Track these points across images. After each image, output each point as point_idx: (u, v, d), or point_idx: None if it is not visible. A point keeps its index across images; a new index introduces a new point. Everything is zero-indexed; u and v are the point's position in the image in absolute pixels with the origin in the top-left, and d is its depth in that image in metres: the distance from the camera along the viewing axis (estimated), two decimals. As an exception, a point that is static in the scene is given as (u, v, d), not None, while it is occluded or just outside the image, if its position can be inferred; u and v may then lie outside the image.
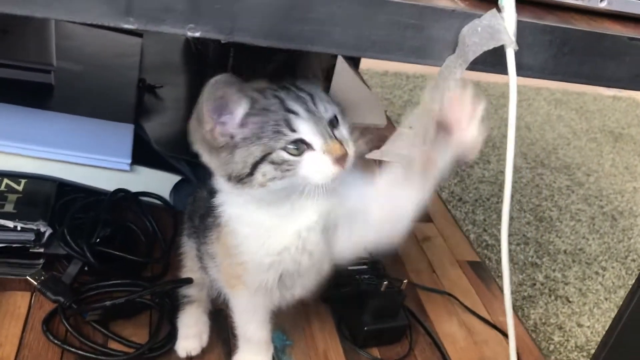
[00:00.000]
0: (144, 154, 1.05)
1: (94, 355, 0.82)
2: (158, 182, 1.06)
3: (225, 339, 0.89)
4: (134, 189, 1.04)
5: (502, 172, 2.02)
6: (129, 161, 1.02)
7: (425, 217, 1.30)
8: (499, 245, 1.63)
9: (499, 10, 0.53)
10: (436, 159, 0.62)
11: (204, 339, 0.88)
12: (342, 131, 0.67)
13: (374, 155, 0.68)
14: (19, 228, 0.89)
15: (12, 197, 0.94)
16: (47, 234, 0.91)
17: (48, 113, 1.06)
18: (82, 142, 1.02)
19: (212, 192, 0.74)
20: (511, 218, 1.78)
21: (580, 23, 0.57)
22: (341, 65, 1.56)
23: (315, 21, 0.50)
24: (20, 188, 0.96)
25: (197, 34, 0.50)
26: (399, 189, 0.66)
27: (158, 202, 1.07)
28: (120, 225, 1.00)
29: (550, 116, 2.51)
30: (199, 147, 0.66)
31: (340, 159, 0.64)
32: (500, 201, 1.84)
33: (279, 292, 0.77)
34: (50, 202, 0.96)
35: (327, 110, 0.66)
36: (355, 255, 0.76)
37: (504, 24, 0.52)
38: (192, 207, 0.91)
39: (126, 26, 0.49)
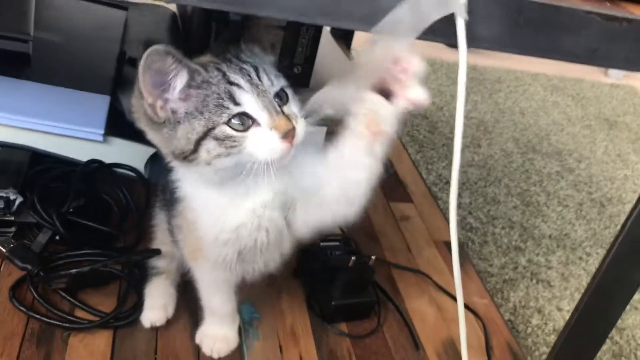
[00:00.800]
0: (119, 126, 1.04)
1: (58, 323, 0.83)
2: (133, 154, 1.06)
3: (192, 311, 0.90)
4: (108, 160, 1.05)
5: (492, 156, 2.03)
6: (102, 132, 1.02)
7: (406, 197, 1.30)
8: (483, 228, 1.64)
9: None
10: (380, 122, 0.61)
11: (170, 310, 0.88)
12: (291, 106, 0.65)
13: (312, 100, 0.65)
14: (-13, 195, 0.89)
15: (-17, 164, 0.94)
16: (17, 202, 0.92)
17: (24, 82, 1.05)
18: (56, 112, 1.01)
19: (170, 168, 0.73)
20: (498, 202, 1.77)
21: (537, -5, 0.57)
22: (328, 42, 1.54)
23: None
24: (-8, 156, 0.96)
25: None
26: (349, 170, 0.66)
27: (132, 174, 1.07)
28: (93, 196, 1.00)
29: (546, 102, 2.49)
30: (141, 124, 0.65)
31: (288, 135, 0.62)
32: (487, 185, 1.83)
33: (240, 267, 0.76)
34: (23, 171, 0.97)
35: (273, 84, 0.64)
36: (314, 233, 0.74)
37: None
38: (165, 181, 0.91)
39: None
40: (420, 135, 2.01)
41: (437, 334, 0.98)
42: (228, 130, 0.62)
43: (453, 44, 0.55)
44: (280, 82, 0.65)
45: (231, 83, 0.63)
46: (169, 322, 0.87)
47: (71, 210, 0.95)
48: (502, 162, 1.97)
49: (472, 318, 1.03)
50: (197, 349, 0.85)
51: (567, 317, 1.42)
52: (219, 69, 0.63)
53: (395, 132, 0.63)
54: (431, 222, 1.24)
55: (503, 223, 1.69)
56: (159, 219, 0.93)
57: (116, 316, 0.85)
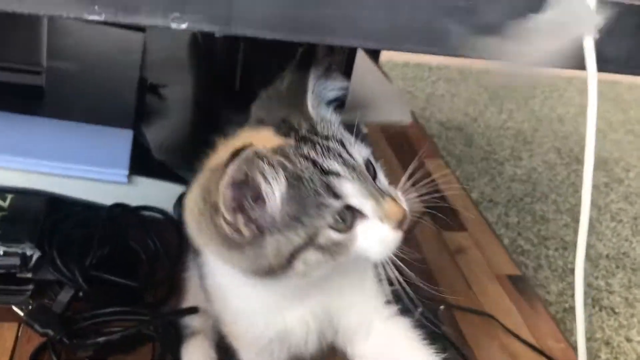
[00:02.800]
0: (144, 163, 0.97)
1: (85, 399, 0.72)
2: (160, 194, 0.97)
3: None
4: (133, 202, 0.96)
5: (535, 169, 1.91)
6: (127, 172, 0.94)
7: (458, 225, 1.19)
8: (536, 251, 1.52)
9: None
10: None
11: None
12: (382, 179, 0.54)
13: None
14: (1, 252, 0.80)
15: (-4, 215, 0.85)
16: (35, 258, 0.82)
17: (37, 119, 0.98)
18: (74, 152, 0.93)
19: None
20: (547, 220, 1.65)
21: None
22: (361, 57, 1.45)
23: (335, 5, 0.38)
24: (5, 204, 0.88)
25: (184, 26, 0.38)
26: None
27: (160, 216, 0.98)
28: (119, 243, 0.91)
29: (583, 107, 2.35)
30: (209, 244, 0.53)
31: (402, 222, 0.51)
32: (534, 201, 1.72)
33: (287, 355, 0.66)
34: (39, 220, 0.88)
35: (362, 157, 0.52)
36: None
37: (586, 4, 0.39)
38: None
39: (91, 17, 0.38)
40: (456, 150, 1.90)
41: None
42: (332, 234, 0.49)
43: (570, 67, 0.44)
44: (365, 153, 0.53)
45: (326, 172, 0.50)
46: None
47: (94, 262, 0.85)
48: (547, 176, 1.85)
49: (550, 366, 0.91)
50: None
51: (639, 348, 1.30)
52: (304, 156, 0.50)
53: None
54: (489, 252, 1.13)
55: (556, 244, 1.56)
56: (192, 270, 0.82)
57: (152, 387, 0.74)
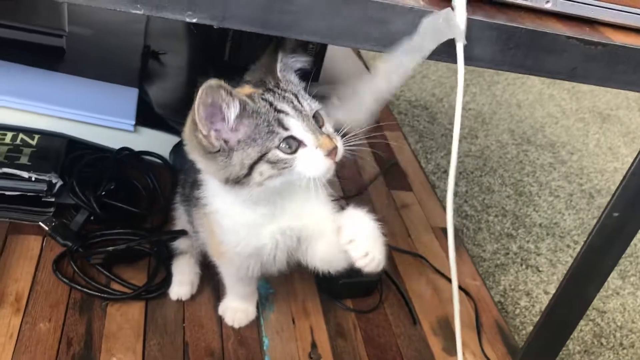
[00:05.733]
0: (146, 116, 1.14)
1: (97, 293, 0.93)
2: (159, 143, 1.15)
3: (214, 286, 1.00)
4: (137, 148, 1.14)
5: (488, 147, 2.12)
6: (133, 122, 1.11)
7: (406, 186, 1.40)
8: (478, 216, 1.74)
9: (452, 8, 0.62)
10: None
11: (195, 286, 0.98)
12: (327, 126, 0.74)
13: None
14: (33, 179, 0.99)
15: (27, 150, 1.04)
16: (58, 185, 1.01)
17: (59, 75, 1.15)
18: (90, 103, 1.11)
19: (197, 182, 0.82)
20: (492, 191, 1.87)
21: (526, 21, 0.66)
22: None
23: (292, 12, 0.59)
24: (34, 142, 1.06)
25: (194, 20, 0.59)
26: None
27: (159, 161, 1.17)
28: (124, 180, 1.10)
29: (542, 95, 2.58)
30: (195, 154, 0.72)
31: (331, 152, 0.71)
32: (483, 174, 1.93)
33: (260, 269, 0.87)
34: (61, 157, 1.06)
35: (311, 108, 0.73)
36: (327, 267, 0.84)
37: (456, 20, 0.60)
38: (184, 175, 0.98)
39: (134, 11, 0.58)
40: (420, 125, 2.11)
41: (433, 312, 1.09)
42: (279, 153, 0.69)
43: (453, 62, 0.65)
44: (315, 106, 0.74)
45: (278, 111, 0.70)
46: (194, 295, 0.98)
47: (105, 193, 1.04)
48: (498, 153, 2.07)
49: (465, 298, 1.14)
50: (220, 319, 0.96)
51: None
52: (264, 99, 0.71)
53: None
54: (429, 210, 1.35)
55: (497, 211, 1.79)
56: (179, 211, 1.02)
57: (147, 289, 0.95)
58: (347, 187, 1.31)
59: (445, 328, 1.06)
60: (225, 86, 0.67)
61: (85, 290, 0.93)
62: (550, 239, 1.74)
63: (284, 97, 0.72)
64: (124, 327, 0.90)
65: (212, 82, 0.66)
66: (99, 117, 1.10)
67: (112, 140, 1.12)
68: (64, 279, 0.94)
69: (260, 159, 0.70)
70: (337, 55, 1.61)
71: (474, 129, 2.17)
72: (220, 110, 0.68)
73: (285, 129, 0.70)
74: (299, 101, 0.73)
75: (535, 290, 1.55)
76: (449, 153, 2.02)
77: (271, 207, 0.77)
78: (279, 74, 0.75)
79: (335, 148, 0.71)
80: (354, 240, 0.72)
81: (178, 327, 0.93)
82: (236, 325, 0.95)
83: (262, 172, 0.70)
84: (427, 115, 2.17)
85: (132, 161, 1.14)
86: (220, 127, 0.69)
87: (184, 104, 0.76)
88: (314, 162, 0.71)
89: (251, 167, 0.70)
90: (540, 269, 1.63)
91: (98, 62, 1.22)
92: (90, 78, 1.16)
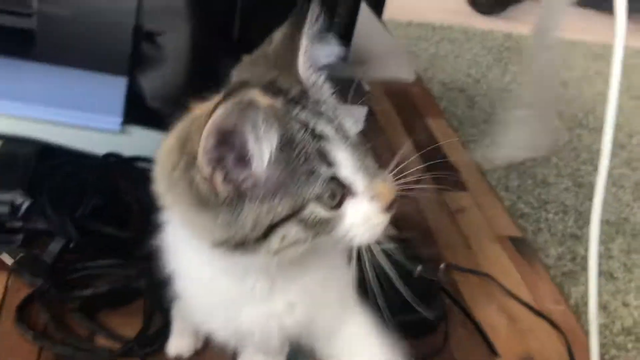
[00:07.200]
0: (138, 112, 0.96)
1: (72, 352, 0.71)
2: (153, 145, 0.94)
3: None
4: (126, 153, 0.96)
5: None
6: (120, 120, 0.93)
7: (459, 185, 1.18)
8: (535, 214, 1.51)
9: None
10: None
11: (200, 337, 0.75)
12: (370, 160, 0.49)
13: None
14: (-9, 199, 0.79)
15: (-16, 161, 0.84)
16: (24, 206, 0.82)
17: (28, 64, 0.97)
18: (67, 98, 0.93)
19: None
20: (548, 183, 1.64)
21: None
22: (364, 13, 1.41)
23: None
24: (-6, 151, 0.86)
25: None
26: None
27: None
28: (111, 195, 0.90)
29: (588, 72, 2.35)
30: (177, 203, 0.47)
31: (391, 205, 0.47)
32: (535, 165, 1.70)
33: None
34: (30, 168, 0.88)
35: (352, 128, 0.48)
36: None
37: None
38: None
39: None
40: (458, 110, 1.87)
41: (511, 348, 0.87)
42: (320, 210, 0.45)
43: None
44: (354, 128, 0.48)
45: (318, 137, 0.45)
46: (198, 351, 0.75)
47: (87, 212, 0.85)
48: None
49: (549, 328, 0.91)
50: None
51: (635, 314, 1.31)
52: (293, 117, 0.46)
53: None
54: (491, 214, 1.13)
55: (556, 207, 1.55)
56: None
57: (140, 343, 0.73)
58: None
59: (531, 370, 0.83)
60: (263, 106, 0.42)
61: (59, 348, 0.71)
62: (621, 238, 1.51)
63: (320, 114, 0.47)
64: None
65: (245, 97, 0.41)
66: (77, 115, 0.92)
67: (95, 144, 0.94)
68: (30, 334, 0.71)
69: (289, 217, 0.45)
70: (367, 32, 1.39)
71: (519, 113, 1.93)
72: (243, 144, 0.43)
73: (329, 164, 0.45)
74: (338, 121, 0.47)
75: (612, 303, 1.31)
76: (493, 142, 1.80)
77: (269, 281, 0.53)
78: (302, 73, 0.50)
79: (395, 197, 0.47)
80: None
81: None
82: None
83: (285, 236, 0.45)
84: (465, 99, 1.94)
85: (120, 170, 0.94)
86: (234, 165, 0.44)
87: (186, 95, 0.53)
88: (368, 222, 0.47)
89: (271, 228, 0.45)
90: (614, 274, 1.39)
91: (77, 47, 1.01)
92: (67, 66, 0.97)
